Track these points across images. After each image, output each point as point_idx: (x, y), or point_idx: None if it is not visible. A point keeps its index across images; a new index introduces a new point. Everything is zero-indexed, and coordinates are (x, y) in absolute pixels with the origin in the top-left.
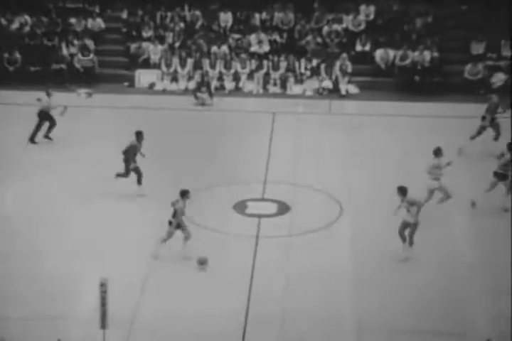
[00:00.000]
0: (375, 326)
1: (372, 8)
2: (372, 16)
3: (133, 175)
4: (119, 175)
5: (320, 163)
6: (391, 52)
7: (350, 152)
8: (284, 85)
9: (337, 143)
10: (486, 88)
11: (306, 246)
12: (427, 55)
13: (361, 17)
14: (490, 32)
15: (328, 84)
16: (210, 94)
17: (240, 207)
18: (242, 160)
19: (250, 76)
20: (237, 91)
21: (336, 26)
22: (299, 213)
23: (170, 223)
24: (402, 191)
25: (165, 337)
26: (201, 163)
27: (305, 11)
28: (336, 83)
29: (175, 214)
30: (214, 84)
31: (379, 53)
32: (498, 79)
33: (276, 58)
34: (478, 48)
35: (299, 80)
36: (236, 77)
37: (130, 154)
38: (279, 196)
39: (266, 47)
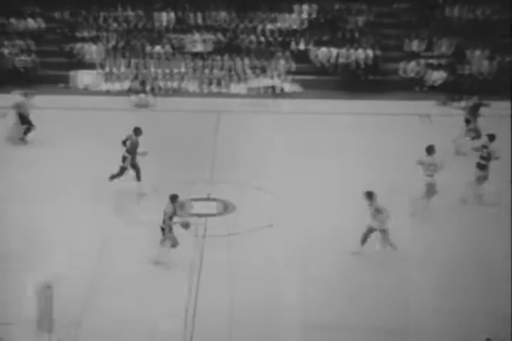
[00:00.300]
0: (319, 324)
1: (314, 7)
2: (314, 15)
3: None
4: (113, 177)
5: (264, 162)
6: (333, 51)
7: (293, 151)
8: (226, 85)
9: (280, 142)
10: (423, 85)
11: (251, 244)
12: (369, 53)
13: (303, 15)
14: (427, 30)
15: (270, 83)
16: (151, 95)
17: (185, 206)
18: (186, 159)
19: (192, 76)
20: (178, 91)
21: (277, 25)
22: (244, 212)
23: (162, 229)
24: (369, 196)
25: (110, 340)
26: (145, 163)
27: (247, 10)
28: (278, 82)
29: (165, 219)
30: (155, 84)
31: (321, 52)
32: (435, 76)
33: (218, 58)
34: (414, 46)
35: (242, 79)
36: (177, 77)
37: (131, 151)
38: (224, 195)
39: (208, 47)
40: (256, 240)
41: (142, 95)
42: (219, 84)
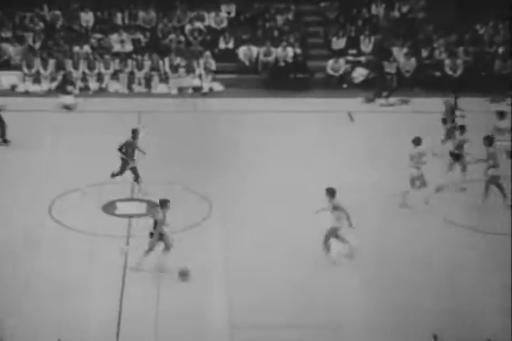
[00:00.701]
0: (247, 323)
1: (233, 6)
2: (233, 14)
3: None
4: (114, 175)
5: (189, 162)
6: (254, 49)
7: (218, 150)
8: (148, 84)
9: (205, 141)
10: (348, 83)
11: (178, 244)
12: (290, 51)
13: (223, 14)
14: (350, 28)
15: (192, 82)
16: (76, 95)
17: (109, 207)
18: (109, 160)
19: (114, 76)
20: (101, 91)
21: (198, 24)
22: (170, 212)
23: (151, 234)
24: (331, 192)
25: None
26: (68, 164)
27: (167, 10)
28: (203, 81)
29: (155, 225)
30: (78, 84)
31: (242, 50)
32: (359, 74)
33: (140, 57)
34: (339, 44)
35: (164, 79)
36: (100, 78)
37: (127, 151)
38: (148, 195)
39: (129, 47)
40: (183, 240)
41: (68, 96)
42: (140, 83)
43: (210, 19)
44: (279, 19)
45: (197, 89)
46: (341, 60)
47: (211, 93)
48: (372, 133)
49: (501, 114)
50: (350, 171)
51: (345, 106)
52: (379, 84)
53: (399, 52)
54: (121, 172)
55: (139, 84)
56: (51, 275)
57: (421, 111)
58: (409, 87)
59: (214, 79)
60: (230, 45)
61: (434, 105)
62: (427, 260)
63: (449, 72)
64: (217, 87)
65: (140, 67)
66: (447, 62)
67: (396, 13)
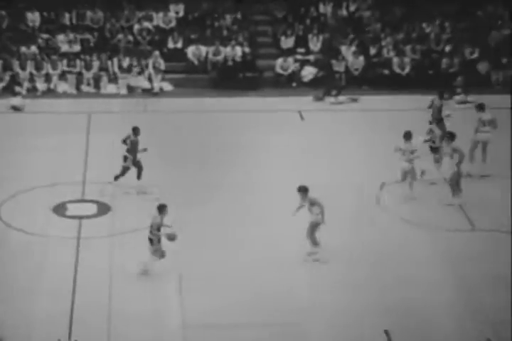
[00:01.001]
0: (201, 321)
1: (181, 6)
2: (182, 13)
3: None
4: (117, 177)
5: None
6: (203, 49)
7: (168, 150)
8: (97, 85)
9: (155, 141)
10: (297, 82)
11: (129, 245)
12: (239, 50)
13: (171, 14)
14: (298, 27)
15: (141, 82)
16: (24, 96)
17: (60, 209)
18: (59, 161)
19: (62, 76)
20: (49, 92)
21: (146, 24)
22: (121, 213)
23: (151, 240)
24: (303, 190)
25: None
26: (17, 166)
27: (114, 9)
28: (149, 81)
29: (152, 230)
30: (25, 85)
31: (191, 50)
32: (308, 72)
33: (88, 58)
34: (287, 43)
35: (113, 79)
36: (48, 78)
37: (131, 151)
38: (99, 196)
39: (77, 47)
40: (134, 241)
41: (16, 97)
42: (89, 84)
43: (158, 19)
44: (228, 18)
45: (147, 89)
46: (290, 59)
47: (161, 93)
48: (322, 132)
49: (481, 107)
50: (302, 170)
51: (295, 105)
52: (328, 83)
53: (347, 51)
54: (125, 170)
55: (88, 84)
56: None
57: (370, 109)
58: (358, 85)
59: (163, 79)
60: (179, 45)
61: (383, 103)
62: (391, 258)
63: (397, 70)
64: (167, 86)
65: (88, 67)
66: (395, 60)
67: (344, 12)
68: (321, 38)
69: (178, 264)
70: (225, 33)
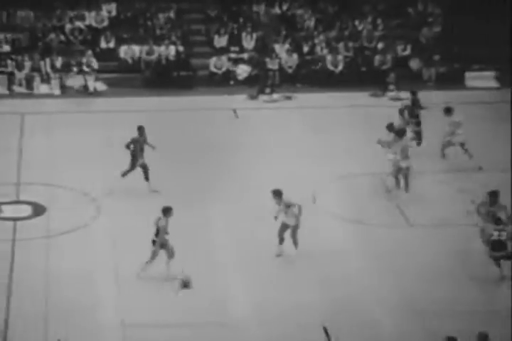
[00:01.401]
0: (139, 322)
1: (114, 5)
2: (114, 12)
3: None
4: (124, 174)
5: (75, 163)
6: (136, 48)
7: (104, 150)
8: (30, 85)
9: (90, 141)
10: (232, 80)
11: (65, 246)
12: (173, 49)
13: (104, 13)
14: (232, 25)
15: (75, 82)
16: None
17: None
18: None
19: None
20: None
21: (78, 23)
22: (56, 214)
23: (154, 242)
24: (277, 194)
25: None
26: None
27: (46, 9)
28: (84, 80)
29: (158, 233)
30: None
31: (124, 49)
32: (242, 70)
33: (19, 58)
34: (221, 41)
35: (46, 79)
36: None
37: (135, 149)
38: (34, 197)
39: (6, 47)
40: (70, 241)
41: None
42: (21, 84)
43: (90, 18)
44: (161, 17)
45: (81, 89)
46: (224, 58)
47: (95, 92)
48: (257, 130)
49: (448, 110)
50: (238, 169)
51: (230, 103)
52: (262, 81)
53: (281, 49)
54: (130, 169)
55: (20, 85)
56: None
57: (304, 106)
58: (292, 83)
59: (97, 79)
60: (112, 44)
61: (317, 100)
62: (328, 256)
63: (331, 68)
64: (101, 86)
65: (20, 67)
66: (328, 57)
67: (277, 10)
68: (254, 36)
69: (113, 264)
70: (158, 32)
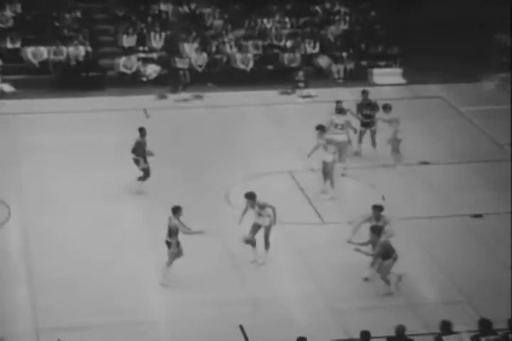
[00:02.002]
0: (52, 324)
1: (19, 5)
2: (20, 12)
3: None
4: (140, 179)
5: None
6: (43, 49)
7: (14, 153)
8: None
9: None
10: (142, 80)
11: None
12: (82, 49)
13: (8, 13)
14: (140, 25)
15: None
16: None
17: None
18: None
19: None
20: None
21: None
22: None
23: (168, 243)
24: (251, 196)
25: None
26: None
27: None
28: None
29: (171, 234)
30: None
31: (30, 50)
32: (152, 70)
33: None
34: (129, 41)
35: None
36: None
37: (139, 152)
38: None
39: None
40: None
41: None
42: None
43: None
44: (67, 17)
45: None
46: (133, 57)
47: (2, 95)
48: (168, 129)
49: (385, 107)
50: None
51: (140, 103)
52: (172, 80)
53: (190, 48)
54: (145, 173)
55: None
56: None
57: (215, 105)
58: (202, 82)
59: (4, 81)
60: (17, 45)
61: (228, 99)
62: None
63: (241, 66)
64: (8, 88)
65: None
66: (238, 56)
67: (185, 9)
68: (163, 35)
69: (27, 267)
70: (65, 32)
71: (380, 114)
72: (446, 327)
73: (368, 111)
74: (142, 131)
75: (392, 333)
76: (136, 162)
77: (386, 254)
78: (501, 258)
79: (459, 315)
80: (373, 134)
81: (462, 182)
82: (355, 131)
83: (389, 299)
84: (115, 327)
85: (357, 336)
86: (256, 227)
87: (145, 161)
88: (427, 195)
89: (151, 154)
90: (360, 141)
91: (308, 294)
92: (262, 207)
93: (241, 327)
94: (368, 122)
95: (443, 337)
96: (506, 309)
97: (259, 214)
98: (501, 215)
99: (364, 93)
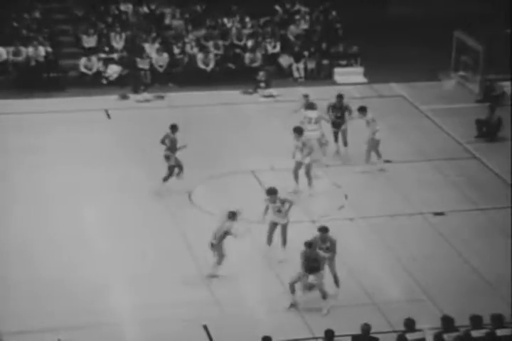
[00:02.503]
0: (15, 328)
1: None
2: None
3: None
4: (166, 178)
5: None
6: (2, 49)
7: None
8: None
9: None
10: (103, 80)
11: None
12: (42, 50)
13: None
14: (100, 25)
15: None
16: None
17: None
18: None
19: None
20: None
21: None
22: None
23: (212, 245)
24: (273, 191)
25: None
26: None
27: None
28: None
29: (222, 236)
30: None
31: None
32: (113, 71)
33: None
34: (90, 42)
35: None
36: None
37: (172, 149)
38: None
39: None
40: None
41: None
42: None
43: None
44: (26, 18)
45: None
46: (94, 58)
47: None
48: (130, 130)
49: (311, 106)
50: (110, 169)
51: (101, 104)
52: (133, 81)
53: (151, 48)
54: (181, 169)
55: None
56: None
57: (176, 105)
58: (164, 82)
59: None
60: None
61: (189, 99)
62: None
63: (202, 66)
64: None
65: None
66: (199, 56)
67: (145, 9)
68: (123, 35)
69: None
70: (24, 32)
71: (355, 116)
72: (410, 325)
73: (339, 113)
74: (174, 127)
75: (356, 332)
76: (168, 158)
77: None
78: (463, 255)
79: (422, 313)
80: (344, 134)
81: (424, 180)
82: (328, 121)
83: (353, 298)
84: (81, 328)
85: (321, 335)
86: (273, 226)
87: (175, 158)
88: (389, 194)
89: (184, 147)
90: (336, 140)
91: (273, 294)
92: (283, 202)
93: (205, 327)
94: (338, 122)
95: (406, 334)
96: (468, 306)
97: (279, 211)
98: (462, 213)
99: (339, 97)
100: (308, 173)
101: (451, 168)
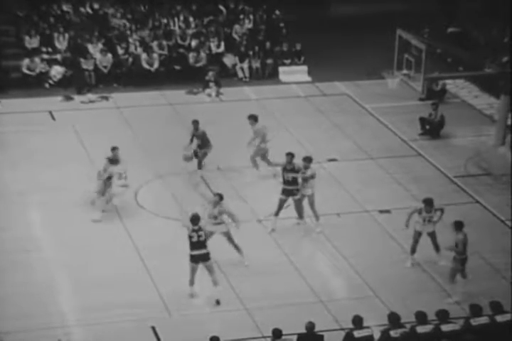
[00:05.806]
0: None
1: None
2: None
3: None
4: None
5: None
6: None
7: None
8: None
9: None
10: (46, 82)
11: None
12: None
13: None
14: (43, 25)
15: None
16: None
17: None
18: None
19: None
20: None
21: None
22: None
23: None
24: (429, 202)
25: None
26: None
27: None
28: None
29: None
30: None
31: None
32: (57, 72)
33: None
34: (32, 42)
35: None
36: None
37: (202, 142)
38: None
39: None
40: None
41: None
42: None
43: None
44: None
45: None
46: (37, 59)
47: None
48: (75, 131)
49: (254, 118)
50: (55, 171)
51: (46, 105)
52: (78, 82)
53: (94, 49)
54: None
55: None
56: None
57: (121, 106)
58: (108, 82)
59: None
60: None
61: (134, 100)
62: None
63: (146, 67)
64: None
65: None
66: (143, 56)
67: (88, 9)
68: (66, 36)
69: None
70: None
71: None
72: (358, 322)
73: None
74: (195, 123)
75: (302, 330)
76: (196, 153)
77: None
78: (408, 253)
79: (369, 310)
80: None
81: (369, 178)
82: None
83: (299, 296)
84: (28, 331)
85: (269, 333)
86: (418, 235)
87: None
88: (335, 192)
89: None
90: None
91: (221, 293)
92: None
93: (153, 328)
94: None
95: (354, 331)
96: (413, 303)
97: (429, 220)
98: (408, 210)
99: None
100: (312, 205)
101: (396, 166)
